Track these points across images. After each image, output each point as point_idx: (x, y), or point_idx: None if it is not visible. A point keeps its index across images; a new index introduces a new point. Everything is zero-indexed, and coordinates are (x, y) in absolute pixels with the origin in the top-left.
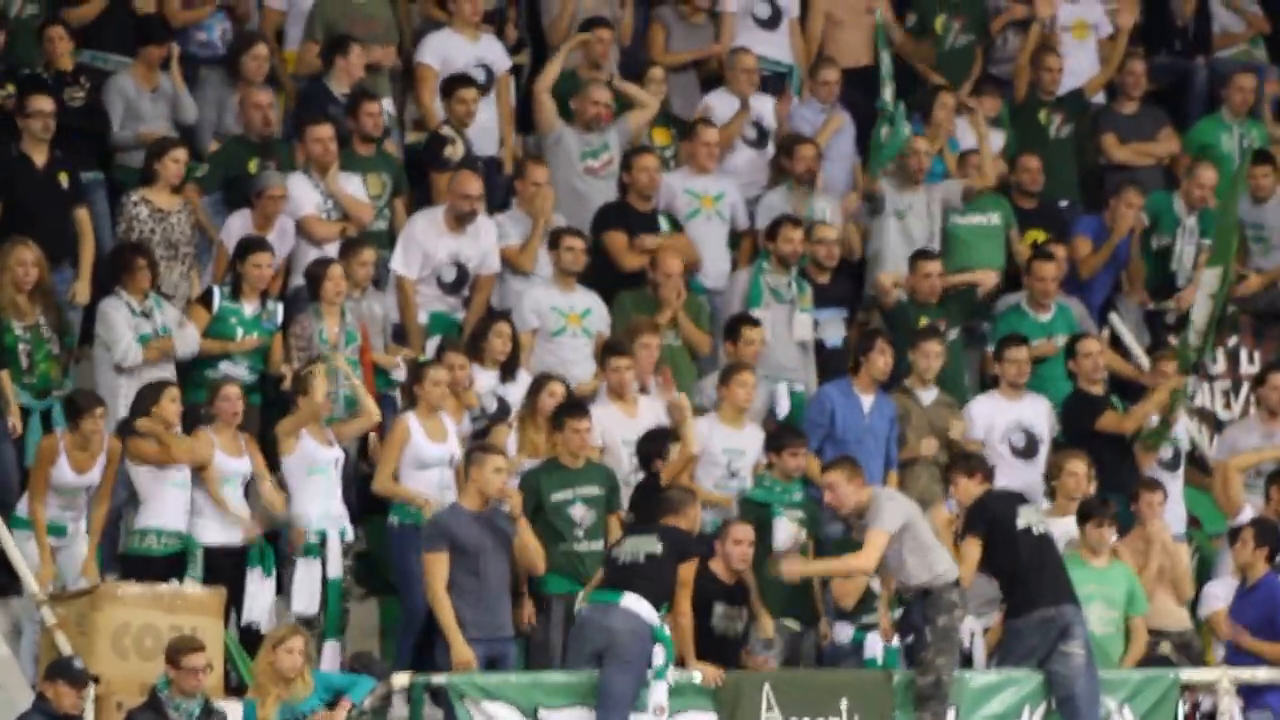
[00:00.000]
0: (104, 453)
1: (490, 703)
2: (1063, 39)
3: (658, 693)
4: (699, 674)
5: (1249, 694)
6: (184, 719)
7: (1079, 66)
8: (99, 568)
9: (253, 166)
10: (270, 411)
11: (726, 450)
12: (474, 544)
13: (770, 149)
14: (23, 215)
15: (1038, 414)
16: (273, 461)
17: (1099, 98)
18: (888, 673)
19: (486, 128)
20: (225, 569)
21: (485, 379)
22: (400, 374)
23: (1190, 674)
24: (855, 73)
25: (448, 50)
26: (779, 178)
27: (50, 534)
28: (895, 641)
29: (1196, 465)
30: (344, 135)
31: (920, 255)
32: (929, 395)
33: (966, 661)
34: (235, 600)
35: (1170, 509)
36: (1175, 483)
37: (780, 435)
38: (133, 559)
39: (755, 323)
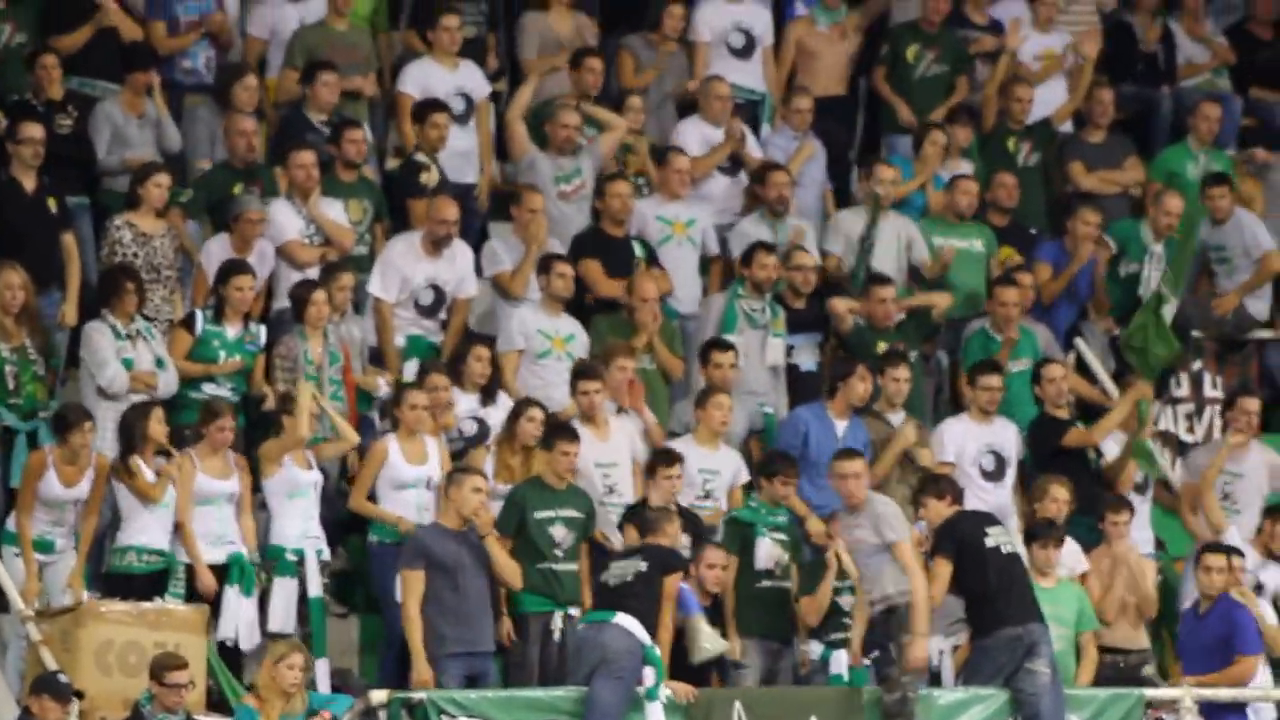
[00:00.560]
0: (92, 467)
1: (467, 719)
2: (1032, 68)
3: (653, 714)
4: (672, 691)
5: (1211, 712)
6: None
7: (1047, 96)
8: (84, 585)
9: (237, 191)
10: (253, 431)
11: (702, 471)
12: (452, 561)
13: (743, 176)
14: (11, 239)
15: (1007, 438)
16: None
17: (1066, 126)
18: (856, 690)
19: (466, 154)
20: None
21: (465, 402)
22: (385, 391)
23: (1154, 692)
24: (827, 101)
25: (427, 80)
26: (752, 204)
27: (38, 550)
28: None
29: (1162, 488)
30: (326, 161)
31: (874, 280)
32: (898, 419)
33: (934, 679)
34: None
35: (1138, 531)
36: (1144, 505)
37: (773, 461)
38: (115, 577)
39: (727, 347)
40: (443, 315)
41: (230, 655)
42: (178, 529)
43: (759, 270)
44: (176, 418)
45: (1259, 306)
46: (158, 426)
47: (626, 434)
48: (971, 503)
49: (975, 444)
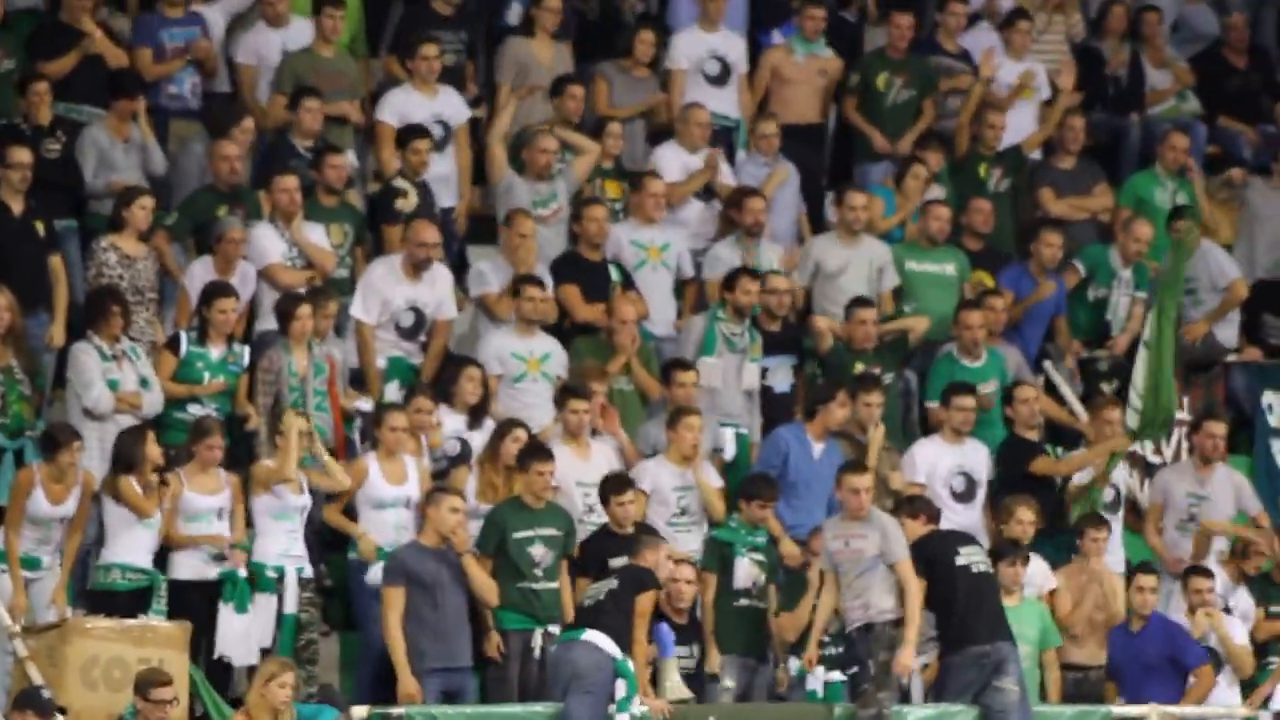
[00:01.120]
0: (79, 485)
1: None
2: (1003, 95)
3: None
4: (648, 707)
5: None
6: None
7: (1018, 123)
8: (68, 601)
9: (221, 213)
10: (237, 449)
11: (676, 489)
12: (431, 578)
13: (716, 202)
14: None
15: (979, 459)
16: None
17: (1036, 153)
18: (829, 706)
19: (445, 179)
20: (196, 603)
21: (452, 422)
22: (367, 406)
23: (1120, 709)
24: (800, 129)
25: (406, 107)
26: (726, 229)
27: (25, 567)
28: (838, 675)
29: (1130, 509)
30: (308, 186)
31: (856, 303)
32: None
33: (905, 696)
34: (204, 634)
35: (1109, 553)
36: (1115, 524)
37: (753, 485)
38: (98, 594)
39: (687, 366)
40: (423, 337)
41: (216, 672)
42: (166, 542)
43: (741, 295)
44: (162, 438)
45: (1227, 333)
46: (154, 448)
47: (605, 455)
48: (940, 523)
49: (946, 465)
